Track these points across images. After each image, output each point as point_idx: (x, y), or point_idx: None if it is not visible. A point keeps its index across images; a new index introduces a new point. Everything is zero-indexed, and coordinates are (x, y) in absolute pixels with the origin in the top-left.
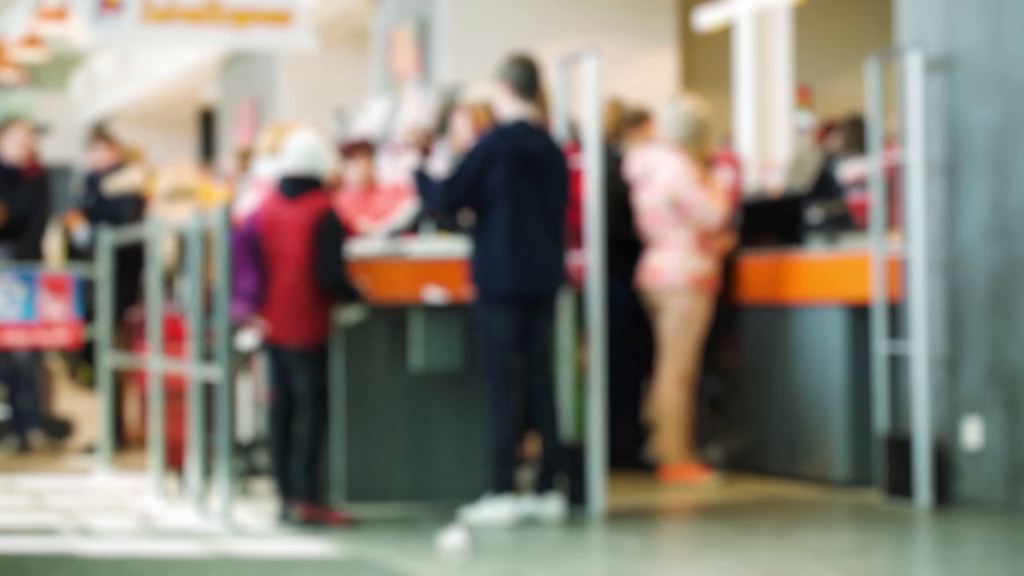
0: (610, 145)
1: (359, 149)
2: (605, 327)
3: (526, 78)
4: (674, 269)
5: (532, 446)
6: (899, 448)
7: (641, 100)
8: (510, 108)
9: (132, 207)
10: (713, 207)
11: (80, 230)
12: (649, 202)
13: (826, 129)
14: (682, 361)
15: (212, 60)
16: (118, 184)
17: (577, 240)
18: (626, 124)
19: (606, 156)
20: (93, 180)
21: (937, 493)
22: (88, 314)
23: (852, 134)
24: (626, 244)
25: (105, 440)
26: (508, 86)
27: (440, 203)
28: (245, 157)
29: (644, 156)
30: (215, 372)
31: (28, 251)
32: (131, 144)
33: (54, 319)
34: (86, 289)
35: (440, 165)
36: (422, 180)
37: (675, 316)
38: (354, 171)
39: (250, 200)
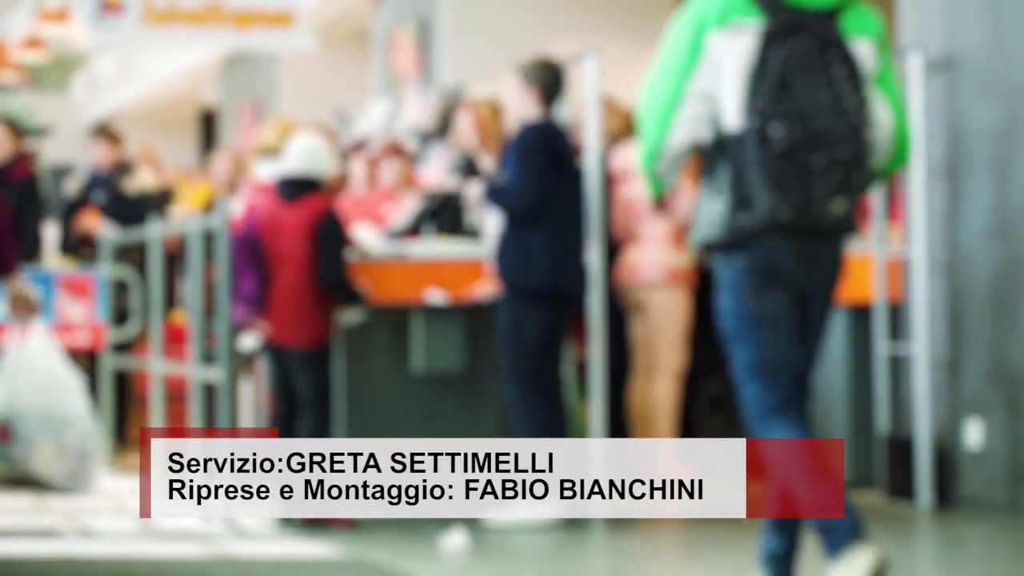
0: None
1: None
2: (607, 326)
3: (554, 84)
4: (653, 264)
5: None
6: (900, 449)
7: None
8: (536, 111)
9: (156, 206)
10: None
11: (108, 230)
12: (631, 195)
13: None
14: (671, 357)
15: (213, 61)
16: (138, 183)
17: None
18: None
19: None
20: (101, 179)
21: (938, 494)
22: (120, 316)
23: None
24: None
25: (106, 440)
26: (537, 90)
27: (523, 205)
28: (241, 163)
29: (627, 151)
30: (216, 374)
31: (22, 253)
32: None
33: (74, 320)
34: (118, 291)
35: (439, 165)
36: (494, 192)
37: (656, 312)
38: (357, 173)
39: (243, 202)
